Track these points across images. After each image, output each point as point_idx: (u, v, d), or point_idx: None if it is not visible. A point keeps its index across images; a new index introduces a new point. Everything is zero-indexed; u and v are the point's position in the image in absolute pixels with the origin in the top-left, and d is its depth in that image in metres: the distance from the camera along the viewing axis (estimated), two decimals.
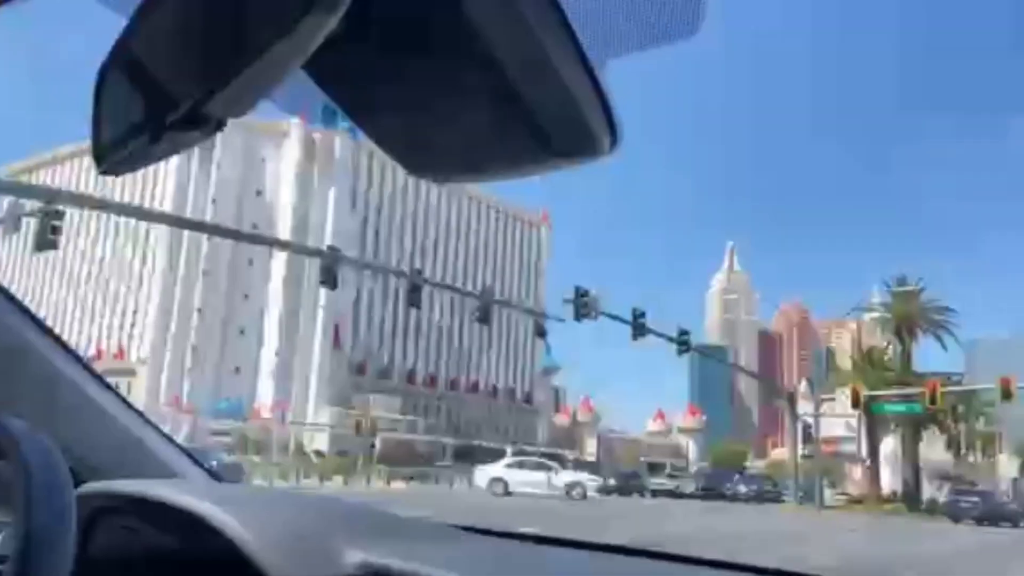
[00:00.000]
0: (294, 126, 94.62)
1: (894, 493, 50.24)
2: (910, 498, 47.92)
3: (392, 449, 61.47)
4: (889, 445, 55.23)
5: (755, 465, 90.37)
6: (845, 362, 61.17)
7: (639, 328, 36.81)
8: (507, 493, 28.37)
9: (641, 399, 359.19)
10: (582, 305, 34.97)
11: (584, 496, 29.28)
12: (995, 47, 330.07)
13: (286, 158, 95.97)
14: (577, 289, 35.21)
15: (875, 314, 54.12)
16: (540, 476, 29.58)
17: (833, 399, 54.03)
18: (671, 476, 46.34)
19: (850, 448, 57.57)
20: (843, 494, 53.22)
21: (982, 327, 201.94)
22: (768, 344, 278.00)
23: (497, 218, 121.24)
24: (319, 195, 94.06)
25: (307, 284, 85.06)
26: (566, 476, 30.23)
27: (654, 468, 62.36)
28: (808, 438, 45.95)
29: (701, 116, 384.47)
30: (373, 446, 51.81)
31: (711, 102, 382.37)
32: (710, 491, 46.23)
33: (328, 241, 70.85)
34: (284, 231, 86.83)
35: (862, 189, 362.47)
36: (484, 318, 39.57)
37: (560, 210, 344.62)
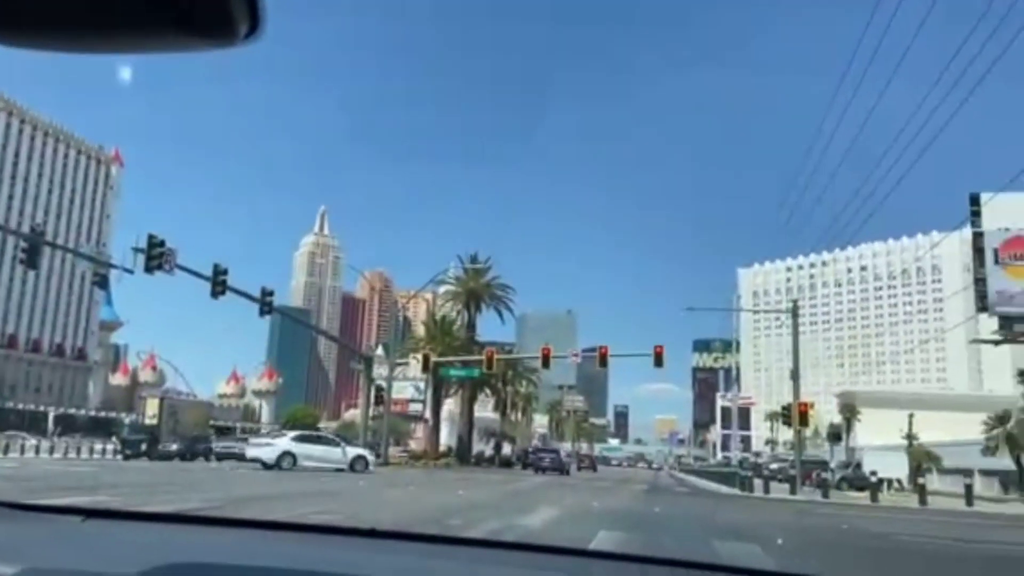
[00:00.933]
0: None
1: (449, 448, 55.69)
2: (462, 452, 53.79)
3: None
4: (450, 406, 60.99)
5: (328, 426, 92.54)
6: (421, 330, 65.51)
7: (220, 285, 34.98)
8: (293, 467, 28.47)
9: (217, 360, 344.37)
10: (156, 256, 31.90)
11: (367, 468, 30.35)
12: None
13: None
14: (151, 237, 32.01)
15: (449, 287, 58.65)
16: (333, 451, 30.57)
17: (407, 363, 57.68)
18: (240, 439, 44.71)
19: (418, 408, 62.36)
20: (405, 451, 57.29)
21: (531, 303, 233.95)
22: (351, 309, 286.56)
23: (56, 148, 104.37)
24: None
25: None
26: (352, 451, 31.61)
27: (223, 431, 60.19)
28: (381, 400, 48.25)
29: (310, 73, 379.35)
30: None
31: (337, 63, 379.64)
32: None
33: None
34: None
35: (454, 171, 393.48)
36: (31, 262, 34.31)
37: (138, 151, 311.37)
